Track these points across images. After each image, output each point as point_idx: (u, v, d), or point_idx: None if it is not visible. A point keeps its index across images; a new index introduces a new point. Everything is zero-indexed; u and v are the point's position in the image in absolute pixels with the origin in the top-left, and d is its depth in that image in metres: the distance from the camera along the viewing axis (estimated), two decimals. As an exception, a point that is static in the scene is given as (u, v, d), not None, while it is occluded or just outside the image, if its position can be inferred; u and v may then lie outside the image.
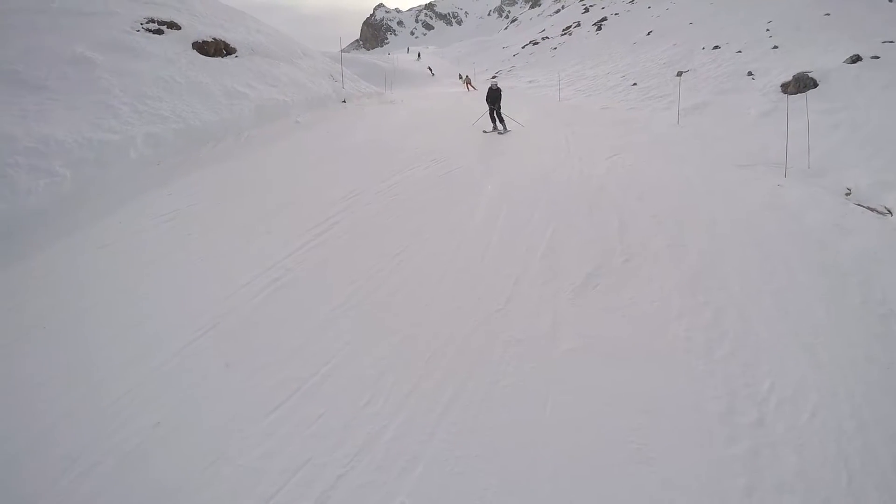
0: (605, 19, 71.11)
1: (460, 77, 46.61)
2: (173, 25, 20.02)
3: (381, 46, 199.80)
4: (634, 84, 29.76)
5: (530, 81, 46.30)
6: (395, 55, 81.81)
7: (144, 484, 4.50)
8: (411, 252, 8.53)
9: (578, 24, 77.37)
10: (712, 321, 6.57)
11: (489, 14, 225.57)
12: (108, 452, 4.79)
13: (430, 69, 52.84)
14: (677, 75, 26.72)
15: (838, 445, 4.82)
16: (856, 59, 18.83)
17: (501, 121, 19.22)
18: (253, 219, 9.53)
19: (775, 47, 25.44)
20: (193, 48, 19.58)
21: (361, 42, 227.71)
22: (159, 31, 19.36)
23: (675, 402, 5.26)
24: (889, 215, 9.81)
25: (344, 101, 23.26)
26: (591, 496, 4.32)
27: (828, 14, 28.70)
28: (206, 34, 20.59)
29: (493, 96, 19.14)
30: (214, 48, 20.27)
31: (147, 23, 19.34)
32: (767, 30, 29.79)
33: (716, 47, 30.42)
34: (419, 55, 69.68)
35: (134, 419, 5.18)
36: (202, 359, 6.10)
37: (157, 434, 5.01)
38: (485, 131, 19.05)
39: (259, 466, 4.59)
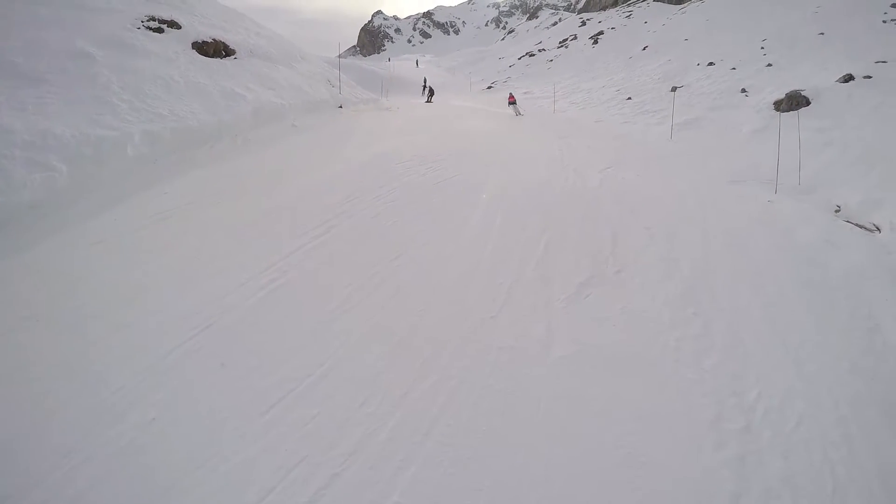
0: (601, 33, 71.47)
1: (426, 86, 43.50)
2: (174, 24, 20.08)
3: (378, 53, 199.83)
4: (629, 98, 29.96)
5: (525, 92, 46.44)
6: (394, 62, 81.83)
7: (138, 479, 4.54)
8: (407, 258, 8.60)
9: (575, 38, 77.71)
10: (702, 332, 6.67)
11: (486, 24, 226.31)
12: (102, 446, 4.83)
13: (425, 86, 48.06)
14: (672, 90, 26.90)
15: (824, 454, 4.93)
16: (848, 78, 19.06)
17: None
18: (249, 220, 9.57)
19: (769, 65, 25.69)
20: (193, 48, 19.63)
21: (359, 48, 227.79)
22: (160, 30, 19.41)
23: (665, 409, 5.35)
24: (877, 232, 9.96)
25: (340, 107, 23.34)
26: (582, 500, 4.40)
27: (822, 33, 28.99)
28: (207, 35, 20.65)
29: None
30: (214, 49, 20.33)
31: (148, 21, 19.38)
32: (762, 48, 30.08)
33: (710, 64, 30.69)
34: (417, 62, 70.15)
35: (129, 414, 5.22)
36: (197, 357, 6.15)
37: (153, 430, 5.06)
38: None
39: (254, 464, 4.64)
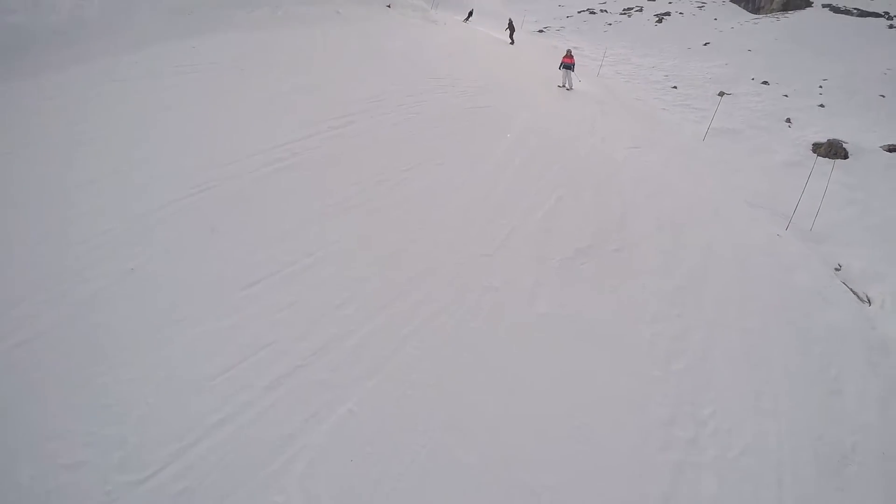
0: (668, 14, 69.70)
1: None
2: None
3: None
4: (675, 87, 29.53)
5: (575, 47, 45.60)
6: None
7: (103, 328, 4.57)
8: (420, 172, 8.54)
9: (640, 10, 75.69)
10: (679, 334, 6.72)
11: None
12: (73, 287, 4.87)
13: (472, 14, 46.29)
14: (719, 94, 26.55)
15: (755, 491, 5.03)
16: (893, 148, 18.90)
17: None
18: (271, 94, 9.38)
19: (821, 105, 25.37)
20: None
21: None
22: None
23: (625, 395, 5.42)
24: (867, 304, 10.00)
25: (389, 6, 22.69)
26: (524, 456, 4.49)
27: (883, 96, 28.60)
28: None
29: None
30: None
31: None
32: (820, 87, 29.62)
33: (764, 82, 30.22)
34: (470, 14, 66.37)
35: (109, 261, 5.24)
36: (190, 217, 6.15)
37: (128, 281, 5.06)
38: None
39: (223, 337, 4.70)
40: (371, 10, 20.51)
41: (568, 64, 22.24)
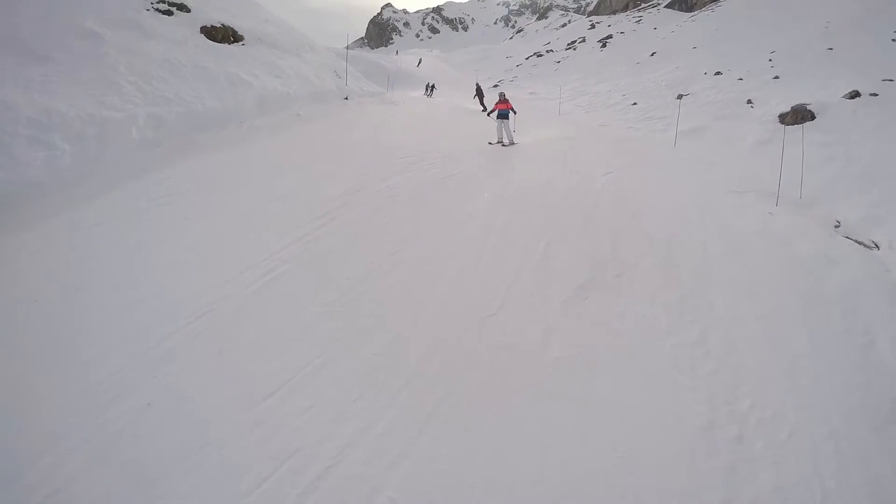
0: (610, 37, 71.45)
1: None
2: (183, 7, 20.13)
3: (386, 46, 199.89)
4: (634, 104, 29.99)
5: (531, 93, 46.43)
6: (401, 56, 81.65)
7: (130, 465, 4.57)
8: (407, 253, 8.65)
9: (584, 40, 77.68)
10: (698, 339, 6.70)
11: (496, 22, 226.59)
12: (95, 431, 4.89)
13: (429, 88, 45.50)
14: (677, 98, 26.96)
15: (814, 466, 4.96)
16: (854, 94, 19.07)
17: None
18: (250, 208, 9.60)
19: (776, 77, 25.71)
20: (202, 32, 19.69)
21: (367, 40, 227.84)
22: (169, 13, 19.48)
23: (659, 414, 5.38)
24: (876, 249, 9.98)
25: (346, 98, 23.34)
26: (576, 499, 4.44)
27: (831, 48, 29.01)
28: (216, 19, 20.68)
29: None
30: (222, 34, 20.38)
31: (157, 3, 19.42)
32: (770, 59, 30.08)
33: (717, 73, 30.72)
34: (420, 61, 68.23)
35: (124, 398, 5.28)
36: (195, 344, 6.21)
37: (148, 415, 5.10)
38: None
39: (248, 453, 4.69)
40: (329, 106, 21.07)
41: (503, 111, 18.71)
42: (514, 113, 18.62)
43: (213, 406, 5.24)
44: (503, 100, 19.13)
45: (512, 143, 18.35)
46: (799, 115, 18.90)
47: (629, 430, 5.11)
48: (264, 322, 6.68)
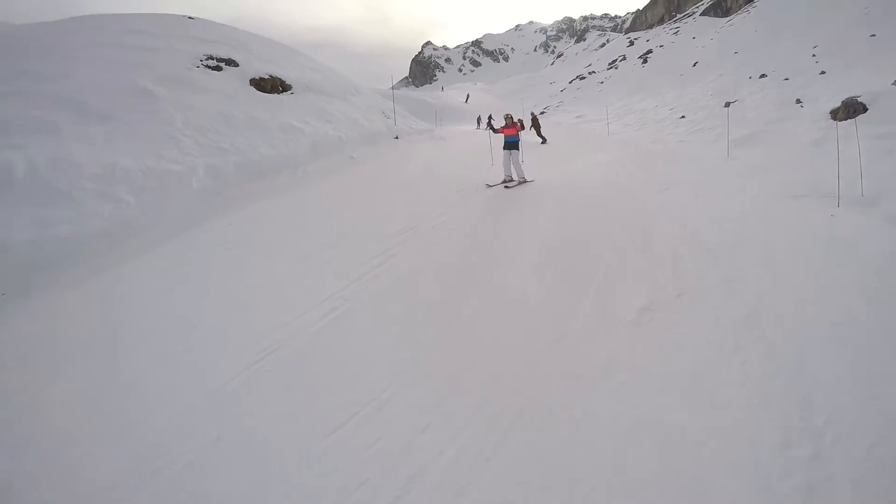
0: (650, 52, 71.19)
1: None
2: (231, 62, 20.99)
3: (430, 83, 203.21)
4: (683, 117, 29.73)
5: (578, 116, 46.57)
6: (447, 91, 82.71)
7: (201, 498, 4.74)
8: (467, 286, 8.83)
9: (624, 58, 77.58)
10: (767, 355, 6.56)
11: (535, 49, 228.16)
12: (167, 464, 5.12)
13: (481, 121, 46.56)
14: (725, 106, 26.68)
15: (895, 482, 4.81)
16: (904, 79, 18.61)
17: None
18: (310, 250, 9.91)
19: (822, 73, 25.28)
20: (251, 84, 20.56)
21: (411, 79, 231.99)
22: (218, 68, 20.36)
23: (730, 434, 5.28)
24: (950, 241, 9.65)
25: (396, 138, 23.85)
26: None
27: (874, 35, 28.39)
28: (263, 71, 21.51)
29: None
30: (271, 85, 21.17)
31: (206, 59, 20.37)
32: (814, 55, 29.63)
33: (763, 76, 30.32)
34: (468, 97, 69.11)
35: (195, 434, 5.53)
36: (262, 381, 6.45)
37: (218, 449, 5.31)
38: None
39: (317, 485, 4.80)
40: (380, 146, 21.67)
41: (510, 138, 15.74)
42: (540, 138, 17.98)
43: (281, 440, 5.41)
44: (510, 123, 15.95)
45: (523, 181, 15.67)
46: (851, 109, 18.50)
47: (699, 454, 5.03)
48: (329, 359, 6.89)
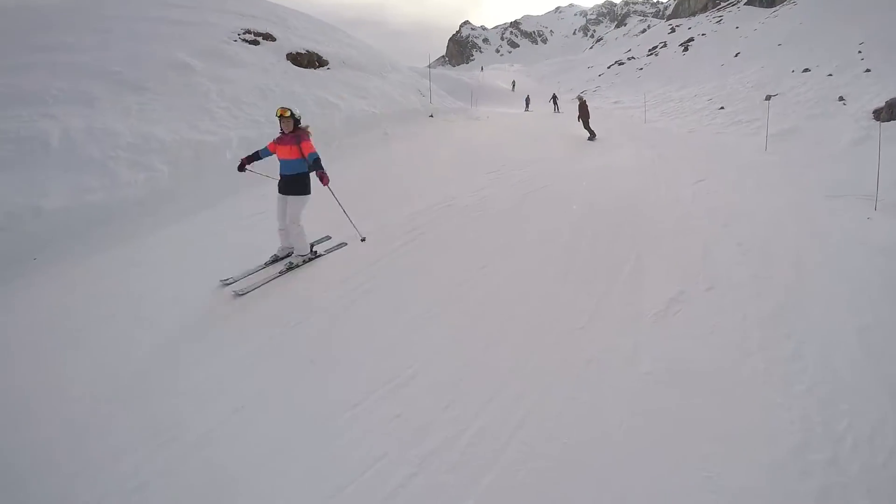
0: (691, 40, 70.05)
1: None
2: (269, 37, 20.97)
3: (467, 63, 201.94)
4: (721, 108, 29.34)
5: (615, 102, 46.17)
6: (486, 71, 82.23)
7: (218, 465, 4.83)
8: (496, 266, 8.84)
9: (665, 45, 76.45)
10: (793, 355, 6.53)
11: (574, 33, 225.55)
12: (187, 430, 5.21)
13: (530, 102, 48.68)
14: (766, 99, 26.25)
15: (912, 491, 4.79)
16: (949, 80, 18.21)
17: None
18: (341, 223, 9.89)
19: (867, 70, 24.73)
20: (287, 59, 20.55)
21: (447, 58, 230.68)
22: (255, 42, 20.35)
23: (749, 433, 5.27)
24: None
25: (431, 116, 23.78)
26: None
27: (922, 34, 27.72)
28: (300, 46, 21.48)
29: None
30: (307, 60, 21.14)
31: (244, 34, 20.36)
32: (859, 52, 28.95)
33: (805, 70, 29.77)
34: (514, 84, 68.31)
35: (217, 401, 5.62)
36: (287, 354, 6.54)
37: (239, 418, 5.40)
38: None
39: (335, 457, 4.87)
40: (416, 124, 21.61)
41: (289, 168, 9.09)
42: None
43: (303, 413, 5.47)
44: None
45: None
46: (894, 110, 18.15)
47: (717, 450, 5.03)
48: (356, 334, 6.95)
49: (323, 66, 21.60)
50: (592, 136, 22.89)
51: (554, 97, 35.89)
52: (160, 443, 5.03)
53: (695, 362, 6.39)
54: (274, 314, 7.40)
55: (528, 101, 47.58)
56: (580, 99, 24.40)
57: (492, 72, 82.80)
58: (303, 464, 4.80)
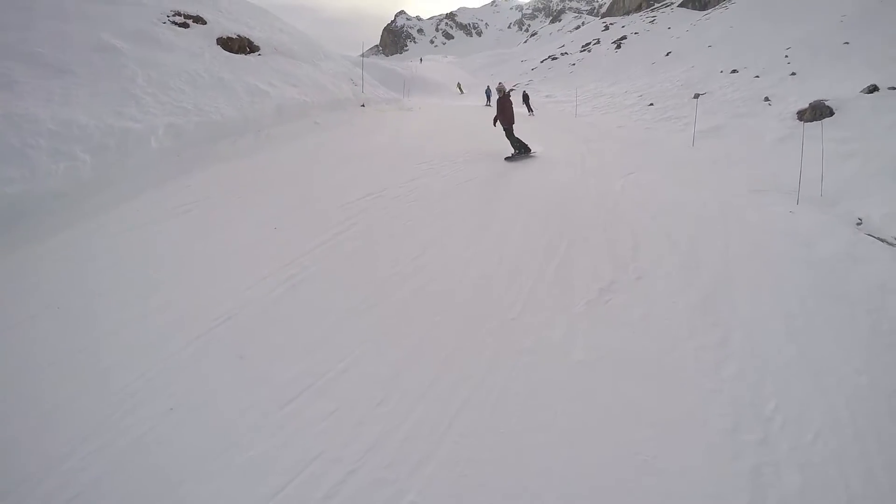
0: (624, 38, 71.39)
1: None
2: (199, 20, 20.31)
3: (401, 53, 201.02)
4: (651, 104, 29.92)
5: (547, 96, 46.55)
6: (424, 63, 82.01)
7: (153, 469, 4.62)
8: (429, 256, 8.71)
9: (598, 42, 77.67)
10: (721, 341, 6.67)
11: (509, 27, 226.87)
12: (117, 436, 4.93)
13: (460, 85, 49.42)
14: (694, 97, 26.90)
15: (840, 468, 4.92)
16: (872, 89, 18.97)
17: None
18: (271, 215, 9.66)
19: (793, 74, 25.60)
20: (218, 44, 19.88)
21: (381, 48, 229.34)
22: (185, 25, 19.66)
23: (683, 417, 5.36)
24: (900, 246, 9.90)
25: (363, 105, 23.45)
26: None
27: (847, 43, 28.80)
28: (231, 31, 20.87)
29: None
30: (238, 45, 20.55)
31: (173, 16, 19.65)
32: (786, 56, 29.95)
33: (734, 71, 30.63)
34: (460, 87, 68.49)
35: (147, 404, 5.34)
36: (217, 349, 6.26)
37: (170, 420, 5.16)
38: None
39: (270, 457, 4.72)
40: (346, 113, 21.19)
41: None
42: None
43: (236, 411, 5.28)
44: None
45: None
46: (817, 112, 18.84)
47: (652, 434, 5.09)
48: (286, 328, 6.73)
49: (254, 52, 21.01)
50: (520, 151, 16.10)
51: (525, 96, 34.66)
52: (92, 450, 4.76)
53: (627, 350, 6.45)
54: (203, 306, 7.14)
55: (488, 92, 47.61)
56: (501, 90, 17.14)
57: (429, 63, 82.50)
58: (239, 465, 4.64)
